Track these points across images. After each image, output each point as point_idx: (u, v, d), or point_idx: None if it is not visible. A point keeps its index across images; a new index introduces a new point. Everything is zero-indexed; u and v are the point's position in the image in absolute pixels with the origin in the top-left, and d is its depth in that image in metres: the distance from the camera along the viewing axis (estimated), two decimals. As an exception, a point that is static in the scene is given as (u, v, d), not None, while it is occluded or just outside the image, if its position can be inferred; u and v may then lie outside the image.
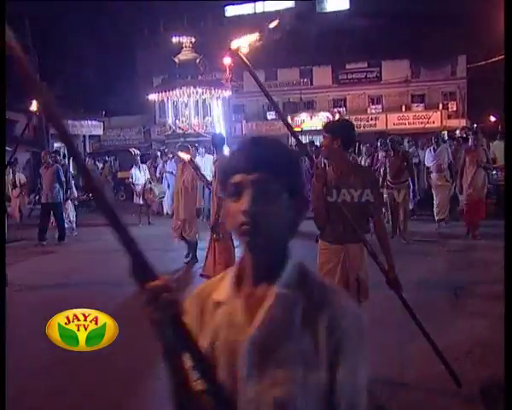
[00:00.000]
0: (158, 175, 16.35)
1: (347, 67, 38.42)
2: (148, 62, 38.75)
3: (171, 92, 22.20)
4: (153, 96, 22.71)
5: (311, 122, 35.00)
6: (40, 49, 23.39)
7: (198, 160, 14.96)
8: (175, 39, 22.72)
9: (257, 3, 43.48)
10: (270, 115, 38.77)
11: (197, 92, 22.15)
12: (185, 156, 8.28)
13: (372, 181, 4.21)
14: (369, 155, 13.75)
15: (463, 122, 31.99)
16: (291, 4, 42.56)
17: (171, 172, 15.08)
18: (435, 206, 11.67)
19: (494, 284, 6.78)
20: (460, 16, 30.79)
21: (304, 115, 35.62)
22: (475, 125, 27.21)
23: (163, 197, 15.60)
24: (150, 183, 14.89)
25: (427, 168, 12.51)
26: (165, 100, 22.91)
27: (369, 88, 38.10)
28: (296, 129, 34.14)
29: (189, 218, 9.15)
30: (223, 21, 40.51)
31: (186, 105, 22.86)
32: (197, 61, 22.40)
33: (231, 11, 43.81)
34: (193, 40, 22.98)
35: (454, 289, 6.91)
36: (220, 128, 23.76)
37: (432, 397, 4.28)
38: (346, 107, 38.28)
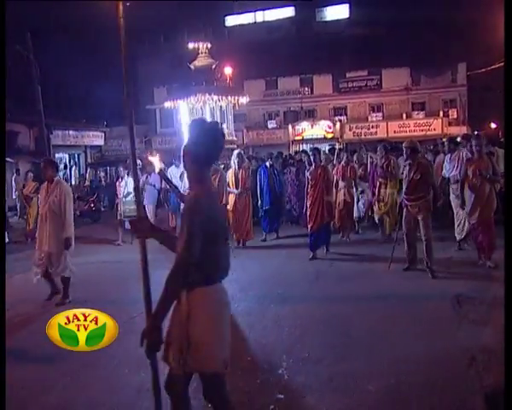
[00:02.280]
0: (141, 188, 14.42)
1: (348, 75, 38.51)
2: (149, 73, 38.90)
3: (186, 99, 22.02)
4: (168, 104, 22.57)
5: (312, 131, 35.07)
6: (42, 61, 23.45)
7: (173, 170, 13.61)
8: (191, 45, 22.65)
9: (257, 13, 43.68)
10: (271, 124, 38.88)
11: (213, 99, 21.98)
12: (157, 164, 7.05)
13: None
14: (361, 164, 12.28)
15: (464, 129, 31.99)
16: (291, 13, 42.76)
17: (153, 185, 13.97)
18: (456, 224, 9.73)
19: (497, 291, 6.78)
20: (460, 24, 30.90)
21: (305, 124, 35.67)
22: (476, 132, 27.22)
23: (132, 217, 13.55)
24: (125, 196, 13.10)
25: (447, 179, 10.29)
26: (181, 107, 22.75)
27: (370, 96, 38.16)
28: (297, 137, 34.26)
29: (57, 249, 7.39)
30: (223, 31, 40.69)
31: (202, 112, 22.72)
32: (213, 66, 22.28)
33: (231, 21, 44.01)
34: (209, 46, 22.89)
35: (456, 296, 6.89)
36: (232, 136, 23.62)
37: (435, 407, 4.26)
38: (346, 115, 38.34)
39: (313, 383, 4.64)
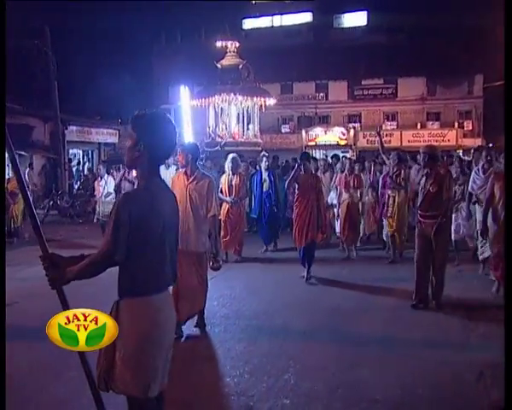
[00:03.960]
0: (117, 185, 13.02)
1: (363, 82, 38.48)
2: (165, 72, 39.04)
3: (211, 98, 21.78)
4: (193, 102, 22.38)
5: (326, 137, 35.03)
6: (59, 57, 23.62)
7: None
8: (219, 43, 22.33)
9: (274, 17, 43.69)
10: (285, 128, 38.88)
11: (237, 99, 21.60)
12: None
13: None
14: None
15: (479, 141, 31.84)
16: (309, 18, 42.75)
17: (133, 183, 12.24)
18: (479, 245, 8.51)
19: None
20: (478, 36, 30.76)
21: (318, 130, 35.63)
22: (490, 145, 27.03)
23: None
24: (105, 196, 12.19)
25: (471, 196, 8.80)
26: (206, 106, 22.55)
27: (385, 104, 38.09)
28: (310, 143, 34.20)
29: None
30: (240, 34, 40.78)
31: (227, 113, 22.43)
32: (240, 66, 21.92)
33: (249, 24, 44.06)
34: (237, 45, 22.51)
35: (467, 308, 6.84)
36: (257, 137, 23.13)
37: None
38: (360, 122, 38.27)
39: (319, 391, 4.61)
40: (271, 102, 22.50)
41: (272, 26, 43.62)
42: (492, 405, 4.32)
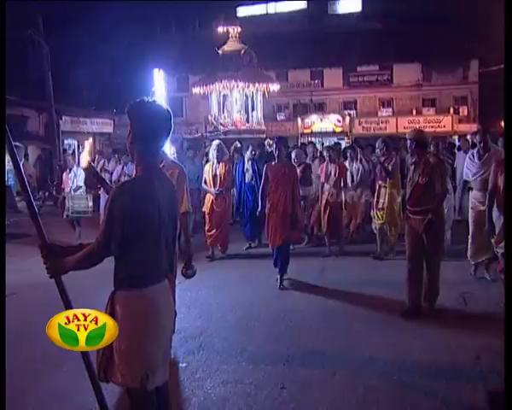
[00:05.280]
0: (115, 178, 12.29)
1: (358, 69, 38.37)
2: (160, 61, 38.81)
3: (212, 86, 21.40)
4: (195, 90, 22.02)
5: (321, 124, 34.91)
6: (53, 47, 23.46)
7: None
8: (220, 29, 21.90)
9: (269, 4, 43.45)
10: (280, 116, 38.80)
11: (239, 86, 21.19)
12: (85, 158, 4.47)
13: None
14: (300, 164, 10.00)
15: (474, 127, 31.78)
16: (303, 5, 42.54)
17: (130, 177, 11.38)
18: (470, 242, 7.61)
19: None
20: (473, 20, 30.65)
21: (314, 117, 35.51)
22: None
23: (81, 214, 11.04)
24: (75, 191, 11.11)
25: (465, 183, 8.10)
26: (209, 94, 22.22)
27: (380, 91, 38.00)
28: (306, 130, 34.13)
29: None
30: (235, 21, 40.55)
31: (229, 100, 22.05)
32: (242, 52, 21.48)
33: (243, 12, 43.80)
34: (239, 30, 22.07)
35: (462, 294, 6.87)
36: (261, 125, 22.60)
37: (437, 404, 4.25)
38: (356, 109, 38.20)
39: (316, 377, 4.64)
40: (275, 87, 22.11)
41: (267, 14, 43.36)
42: (488, 389, 4.34)
